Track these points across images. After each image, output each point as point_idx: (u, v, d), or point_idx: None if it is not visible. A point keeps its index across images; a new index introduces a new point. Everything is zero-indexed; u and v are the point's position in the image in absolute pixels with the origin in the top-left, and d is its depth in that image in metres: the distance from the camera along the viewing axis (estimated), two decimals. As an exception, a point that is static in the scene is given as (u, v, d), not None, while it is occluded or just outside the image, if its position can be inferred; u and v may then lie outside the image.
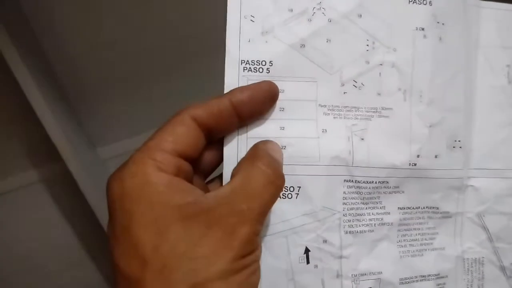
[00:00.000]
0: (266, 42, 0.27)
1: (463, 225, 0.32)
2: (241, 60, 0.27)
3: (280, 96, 0.27)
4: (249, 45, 0.27)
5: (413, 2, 0.29)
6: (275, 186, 0.24)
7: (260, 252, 0.24)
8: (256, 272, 0.23)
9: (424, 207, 0.31)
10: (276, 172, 0.24)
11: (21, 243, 0.69)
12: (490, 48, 0.31)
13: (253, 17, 0.27)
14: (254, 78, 0.27)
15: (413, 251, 0.31)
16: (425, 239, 0.31)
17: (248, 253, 0.22)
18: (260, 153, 0.24)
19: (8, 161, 0.64)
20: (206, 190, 0.26)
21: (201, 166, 0.26)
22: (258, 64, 0.27)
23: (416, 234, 0.31)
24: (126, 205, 0.21)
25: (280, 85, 0.27)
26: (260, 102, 0.25)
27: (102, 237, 0.65)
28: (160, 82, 0.62)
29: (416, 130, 0.29)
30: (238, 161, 0.25)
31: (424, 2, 0.29)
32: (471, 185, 0.32)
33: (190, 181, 0.24)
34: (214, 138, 0.25)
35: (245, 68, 0.27)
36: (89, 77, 0.60)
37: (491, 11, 0.31)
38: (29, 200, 0.67)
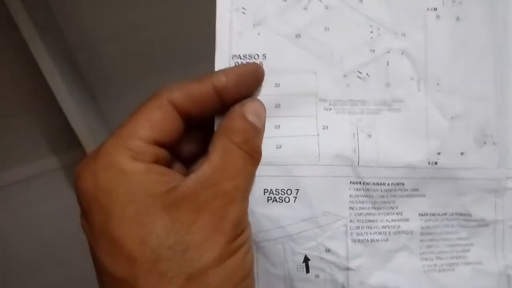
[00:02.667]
0: (259, 34, 0.25)
1: (504, 235, 0.27)
2: (232, 55, 0.25)
3: (275, 90, 0.25)
4: (241, 39, 0.25)
5: None
6: (254, 160, 0.23)
7: (250, 229, 0.23)
8: (250, 252, 0.22)
9: (452, 214, 0.27)
10: (253, 148, 0.22)
11: (41, 229, 0.71)
12: None
13: (245, 9, 0.25)
14: None
15: (441, 265, 0.27)
16: (457, 251, 0.27)
17: (240, 233, 0.21)
18: (236, 124, 0.22)
19: (29, 148, 0.64)
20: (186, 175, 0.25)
21: (180, 153, 0.25)
22: (250, 58, 0.25)
23: (444, 246, 0.27)
24: (102, 200, 0.19)
25: (275, 78, 0.25)
26: (246, 86, 0.24)
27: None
28: (185, 72, 0.61)
29: (434, 123, 0.26)
30: None
31: None
32: None
33: (170, 166, 0.23)
34: (193, 123, 0.24)
35: (237, 63, 0.25)
36: (110, 66, 0.60)
37: None
38: (50, 187, 0.68)
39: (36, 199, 0.69)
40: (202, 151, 0.24)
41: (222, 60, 0.25)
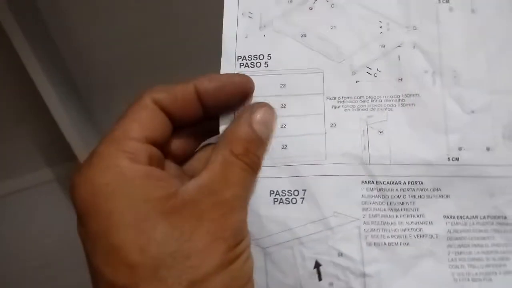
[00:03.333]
0: (264, 35, 0.26)
1: None
2: (238, 56, 0.25)
3: (281, 91, 0.25)
4: (246, 41, 0.26)
5: None
6: (254, 171, 0.23)
7: (249, 238, 0.23)
8: (249, 259, 0.22)
9: (484, 217, 0.24)
10: (253, 161, 0.23)
11: (35, 241, 0.71)
12: None
13: (251, 13, 0.26)
14: (251, 74, 0.25)
15: (475, 274, 0.24)
16: (494, 259, 0.24)
17: (240, 241, 0.21)
18: (240, 134, 0.23)
19: (22, 159, 0.64)
20: (181, 175, 0.25)
21: (170, 153, 0.24)
22: (255, 58, 0.25)
23: (478, 252, 0.24)
24: (101, 206, 0.19)
25: (280, 79, 0.25)
26: (228, 94, 0.24)
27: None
28: (179, 79, 0.60)
29: (453, 117, 0.25)
30: None
31: None
32: None
33: (162, 168, 0.23)
34: (181, 123, 0.24)
35: (242, 64, 0.25)
36: (103, 75, 0.61)
37: None
38: (43, 199, 0.68)
39: (31, 210, 0.69)
40: (192, 152, 0.25)
41: (228, 62, 0.25)
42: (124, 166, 0.20)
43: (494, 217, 0.24)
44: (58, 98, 0.50)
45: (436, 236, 0.24)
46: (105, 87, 0.62)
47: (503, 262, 0.24)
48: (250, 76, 0.25)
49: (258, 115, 0.23)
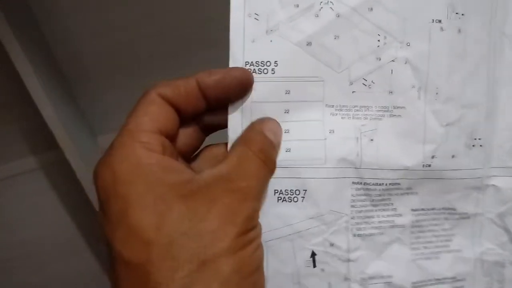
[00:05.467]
0: (271, 41, 0.26)
1: (482, 226, 0.31)
2: (245, 62, 0.26)
3: (286, 97, 0.27)
4: (254, 45, 0.26)
5: None
6: (268, 169, 0.25)
7: (260, 229, 0.24)
8: (259, 248, 0.23)
9: (439, 208, 0.30)
10: (268, 157, 0.25)
11: (17, 229, 0.70)
12: None
13: (258, 15, 0.26)
14: (259, 79, 0.26)
15: (427, 254, 0.30)
16: (441, 241, 0.30)
17: (250, 229, 0.22)
18: (254, 136, 0.25)
19: (5, 147, 0.62)
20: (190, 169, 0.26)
21: (178, 146, 0.26)
22: (262, 65, 0.26)
23: (430, 236, 0.30)
24: (121, 189, 0.21)
25: (285, 86, 0.27)
26: (228, 88, 0.25)
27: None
28: (166, 69, 0.60)
29: (431, 129, 0.28)
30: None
31: None
32: (492, 185, 0.30)
33: (176, 159, 0.24)
34: (184, 117, 0.25)
35: (250, 70, 0.26)
36: (91, 63, 0.59)
37: None
38: (26, 187, 0.68)
39: (14, 199, 0.68)
40: (197, 147, 0.27)
41: (236, 66, 0.26)
42: (141, 154, 0.21)
43: (447, 208, 0.30)
44: (41, 86, 0.49)
45: (403, 226, 0.29)
46: (93, 75, 0.59)
47: (447, 243, 0.30)
48: (258, 82, 0.26)
49: (268, 125, 0.26)
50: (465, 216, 0.30)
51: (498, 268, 0.31)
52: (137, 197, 0.20)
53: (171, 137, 0.24)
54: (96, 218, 0.22)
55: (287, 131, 0.27)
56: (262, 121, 0.26)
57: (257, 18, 0.26)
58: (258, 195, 0.24)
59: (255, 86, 0.26)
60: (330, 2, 0.26)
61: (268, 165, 0.25)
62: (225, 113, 0.26)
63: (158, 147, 0.22)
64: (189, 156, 0.27)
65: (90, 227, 0.72)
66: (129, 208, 0.20)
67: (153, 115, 0.23)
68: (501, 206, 0.30)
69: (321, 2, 0.26)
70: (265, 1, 0.26)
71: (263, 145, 0.25)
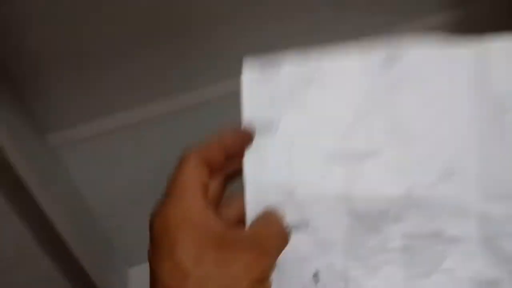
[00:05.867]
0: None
1: (475, 247, 0.32)
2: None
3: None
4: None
5: None
6: (286, 240, 0.31)
7: (271, 284, 0.29)
8: None
9: (429, 233, 0.31)
10: (284, 232, 0.31)
11: None
12: None
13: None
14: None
15: (420, 273, 0.32)
16: (433, 262, 0.32)
17: (265, 278, 0.27)
18: (273, 218, 0.31)
19: None
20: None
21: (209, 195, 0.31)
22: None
23: (422, 257, 0.32)
24: (171, 231, 0.27)
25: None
26: (234, 152, 0.31)
27: (47, 231, 0.63)
28: (121, 60, 0.59)
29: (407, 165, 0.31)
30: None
31: None
32: (480, 210, 0.31)
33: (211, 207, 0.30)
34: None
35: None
36: (37, 51, 0.56)
37: None
38: None
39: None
40: (221, 193, 0.32)
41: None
42: (189, 205, 0.28)
43: (436, 232, 0.31)
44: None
45: (395, 249, 0.31)
46: (39, 67, 0.57)
47: (440, 263, 0.31)
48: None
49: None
50: (455, 239, 0.31)
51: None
52: (183, 238, 0.26)
53: (207, 188, 0.30)
54: (149, 253, 0.28)
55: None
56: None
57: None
58: (276, 254, 0.29)
59: None
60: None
61: (286, 238, 0.30)
62: (240, 161, 0.31)
63: (202, 200, 0.28)
64: (217, 203, 0.32)
65: (38, 234, 0.68)
66: (176, 246, 0.26)
67: (195, 174, 0.29)
68: (490, 229, 0.31)
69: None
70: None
71: (280, 227, 0.31)
